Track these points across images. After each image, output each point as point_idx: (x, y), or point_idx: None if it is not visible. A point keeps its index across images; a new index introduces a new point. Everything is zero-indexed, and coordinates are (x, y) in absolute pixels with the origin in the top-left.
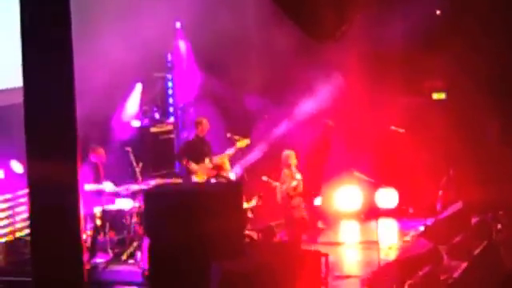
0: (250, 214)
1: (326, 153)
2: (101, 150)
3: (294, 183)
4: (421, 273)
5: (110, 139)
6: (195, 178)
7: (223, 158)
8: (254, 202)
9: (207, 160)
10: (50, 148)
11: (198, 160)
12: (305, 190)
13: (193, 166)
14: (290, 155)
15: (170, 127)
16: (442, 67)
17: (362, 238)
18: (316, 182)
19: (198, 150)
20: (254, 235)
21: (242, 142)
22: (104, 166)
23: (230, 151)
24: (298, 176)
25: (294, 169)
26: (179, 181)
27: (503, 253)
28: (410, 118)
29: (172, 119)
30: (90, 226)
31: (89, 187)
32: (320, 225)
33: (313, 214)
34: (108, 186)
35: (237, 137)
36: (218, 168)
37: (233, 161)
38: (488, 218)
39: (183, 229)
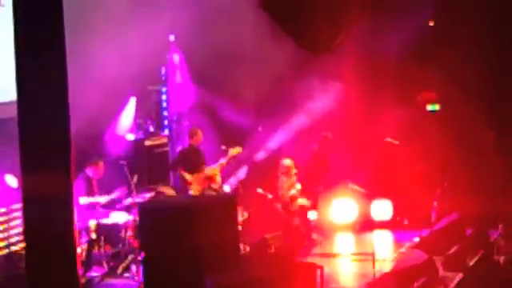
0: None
1: (325, 166)
2: (101, 165)
3: (293, 191)
4: (416, 284)
5: (105, 153)
6: (190, 190)
7: (215, 170)
8: (241, 217)
9: (203, 169)
10: (44, 162)
11: (193, 169)
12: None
13: (187, 176)
14: (291, 164)
15: (165, 140)
16: (436, 78)
17: (357, 250)
18: (313, 195)
19: (192, 160)
20: (247, 249)
21: (234, 150)
22: (99, 181)
23: (223, 160)
24: (298, 186)
25: (294, 178)
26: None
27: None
28: (405, 129)
29: (166, 132)
30: (84, 239)
31: (83, 200)
32: (315, 236)
33: (308, 226)
34: (102, 199)
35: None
36: (209, 180)
37: (227, 172)
38: (485, 229)
39: (178, 242)
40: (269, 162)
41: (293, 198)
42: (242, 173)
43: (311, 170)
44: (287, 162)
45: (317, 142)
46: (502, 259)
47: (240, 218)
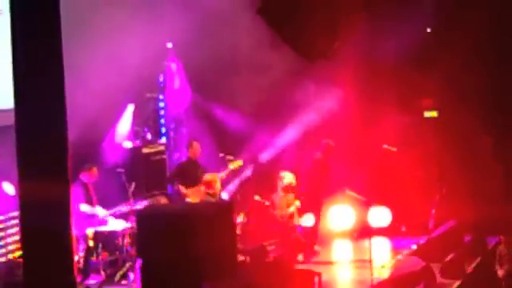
0: (238, 231)
1: (326, 173)
2: (94, 170)
3: (292, 209)
4: None
5: (102, 160)
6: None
7: (214, 176)
8: (240, 219)
9: (202, 187)
10: (41, 169)
11: (190, 183)
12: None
13: (183, 190)
14: (292, 178)
15: (162, 148)
16: (434, 85)
17: (354, 257)
18: (316, 202)
19: (190, 173)
20: (245, 259)
21: (235, 164)
22: (95, 187)
23: (223, 174)
24: (298, 203)
25: (293, 195)
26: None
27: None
28: (402, 136)
29: (164, 140)
30: (82, 247)
31: (84, 208)
32: (317, 248)
33: (309, 235)
34: (101, 212)
35: (230, 157)
36: (207, 185)
37: (226, 180)
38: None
39: (176, 249)
40: (269, 167)
41: (292, 216)
42: (248, 173)
43: (314, 177)
44: (288, 176)
45: (319, 149)
46: (501, 272)
47: (240, 220)
